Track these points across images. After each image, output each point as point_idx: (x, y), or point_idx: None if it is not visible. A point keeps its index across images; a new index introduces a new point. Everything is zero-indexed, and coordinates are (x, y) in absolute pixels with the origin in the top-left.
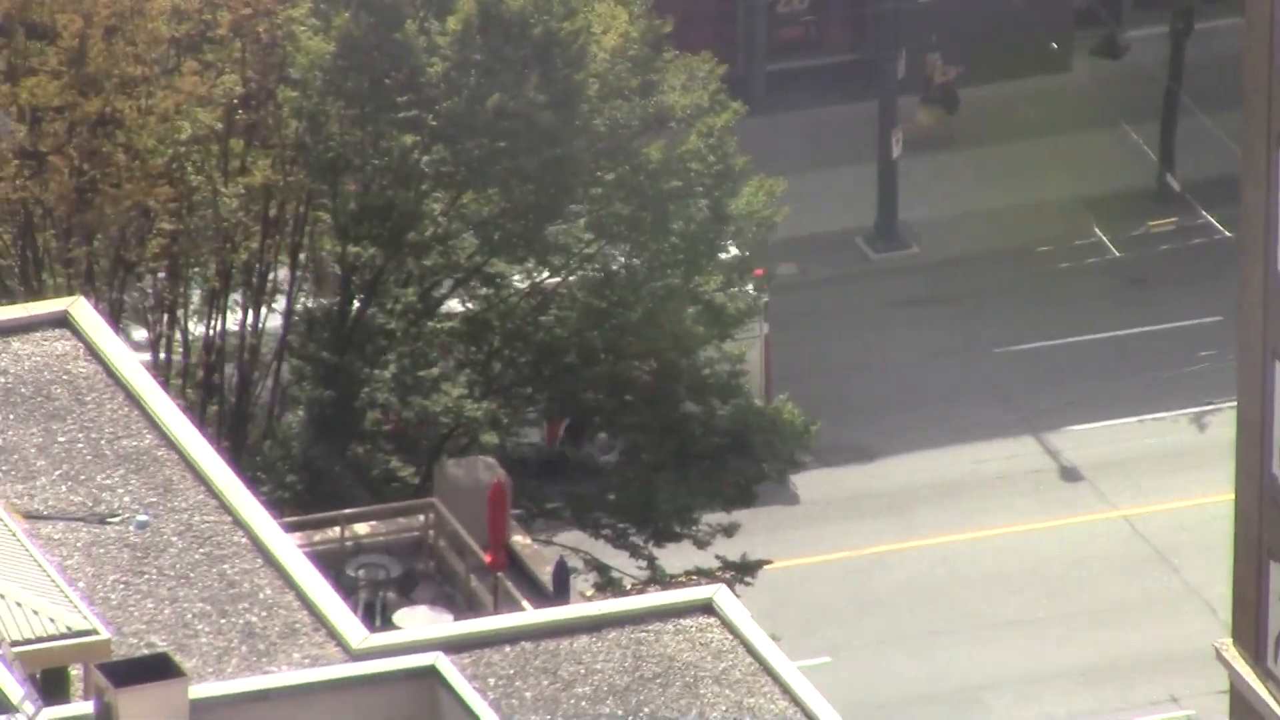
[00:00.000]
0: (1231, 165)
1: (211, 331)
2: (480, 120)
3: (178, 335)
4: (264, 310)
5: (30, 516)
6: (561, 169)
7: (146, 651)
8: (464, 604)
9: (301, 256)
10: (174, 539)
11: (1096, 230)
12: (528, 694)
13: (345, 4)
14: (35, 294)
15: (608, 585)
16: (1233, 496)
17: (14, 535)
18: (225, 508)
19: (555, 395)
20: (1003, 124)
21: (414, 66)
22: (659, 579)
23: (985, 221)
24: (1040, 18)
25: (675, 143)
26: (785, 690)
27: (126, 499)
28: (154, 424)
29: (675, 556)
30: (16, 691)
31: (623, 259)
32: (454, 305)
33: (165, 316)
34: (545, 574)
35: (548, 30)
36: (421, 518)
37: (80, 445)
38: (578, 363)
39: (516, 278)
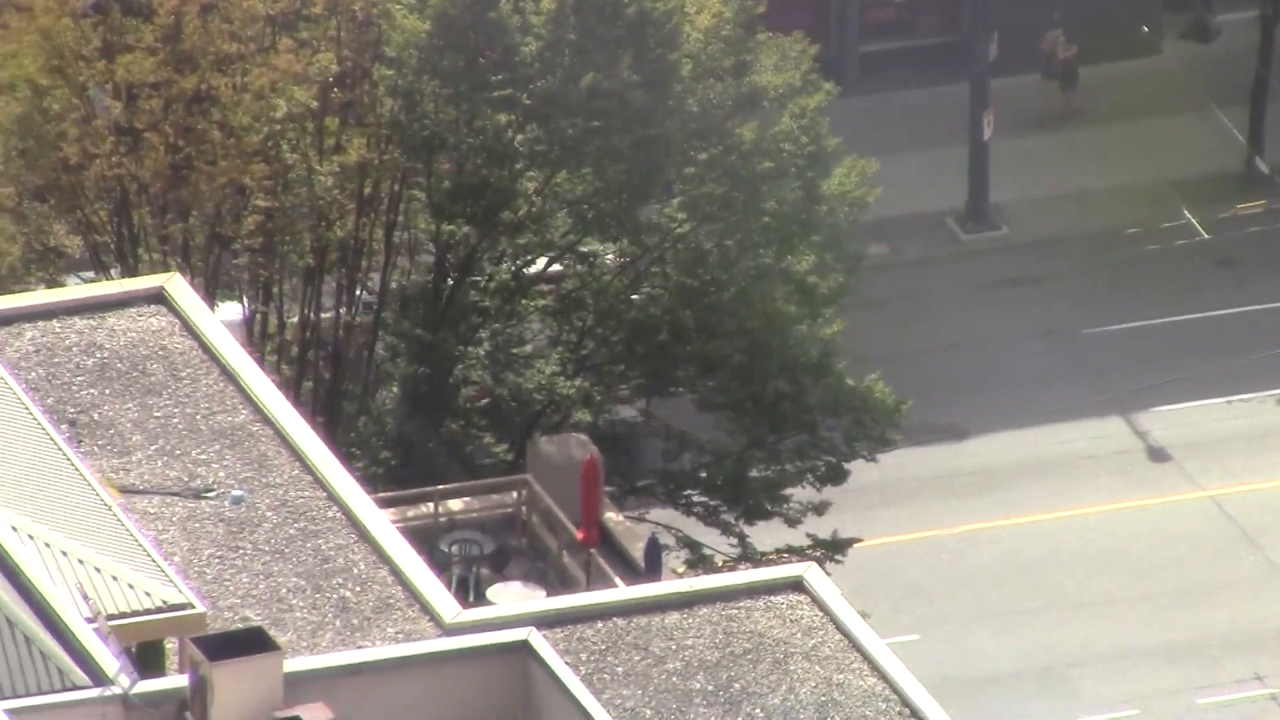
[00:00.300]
0: None
1: (307, 309)
2: (574, 99)
3: (273, 312)
4: (359, 288)
5: (126, 491)
6: (654, 149)
7: (241, 626)
8: (556, 580)
9: (396, 234)
10: (269, 514)
11: (1185, 213)
12: (619, 669)
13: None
14: (131, 270)
15: (699, 562)
16: None
17: (110, 509)
18: (320, 483)
19: (647, 373)
20: (1093, 107)
21: (508, 45)
22: (749, 556)
23: (1074, 203)
24: (1130, 1)
25: (768, 123)
26: (874, 667)
27: (222, 474)
28: (249, 400)
29: (766, 534)
30: (112, 664)
31: (715, 238)
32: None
33: (260, 293)
34: (637, 551)
35: (641, 9)
36: (515, 494)
37: (176, 420)
38: (669, 341)
39: (609, 256)
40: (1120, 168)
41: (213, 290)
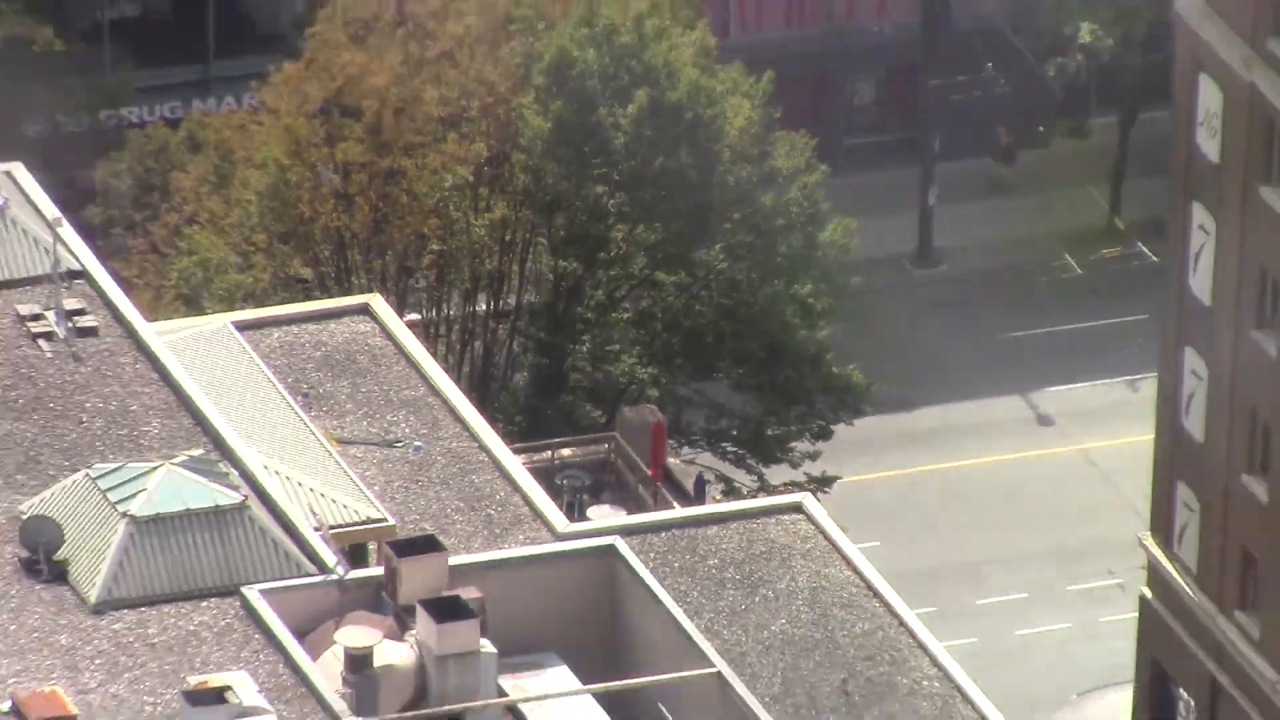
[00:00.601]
0: (1160, 212)
1: (465, 318)
2: (649, 176)
3: (442, 320)
4: (500, 304)
5: (342, 441)
6: (704, 211)
7: (419, 534)
8: (634, 504)
9: (526, 268)
10: (438, 458)
11: (1067, 256)
12: (675, 564)
13: (558, 95)
14: (345, 291)
15: (730, 492)
16: (1154, 437)
17: (330, 454)
18: (473, 437)
19: (697, 364)
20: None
21: (604, 139)
22: (765, 488)
23: (995, 249)
24: (1029, 107)
25: (782, 193)
26: (849, 563)
27: (406, 431)
28: (425, 381)
29: (776, 474)
30: (332, 559)
31: (744, 272)
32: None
33: (434, 308)
34: (689, 484)
35: (696, 115)
36: (606, 446)
37: (375, 394)
38: (713, 343)
39: (671, 283)
40: (1029, 223)
41: (401, 305)
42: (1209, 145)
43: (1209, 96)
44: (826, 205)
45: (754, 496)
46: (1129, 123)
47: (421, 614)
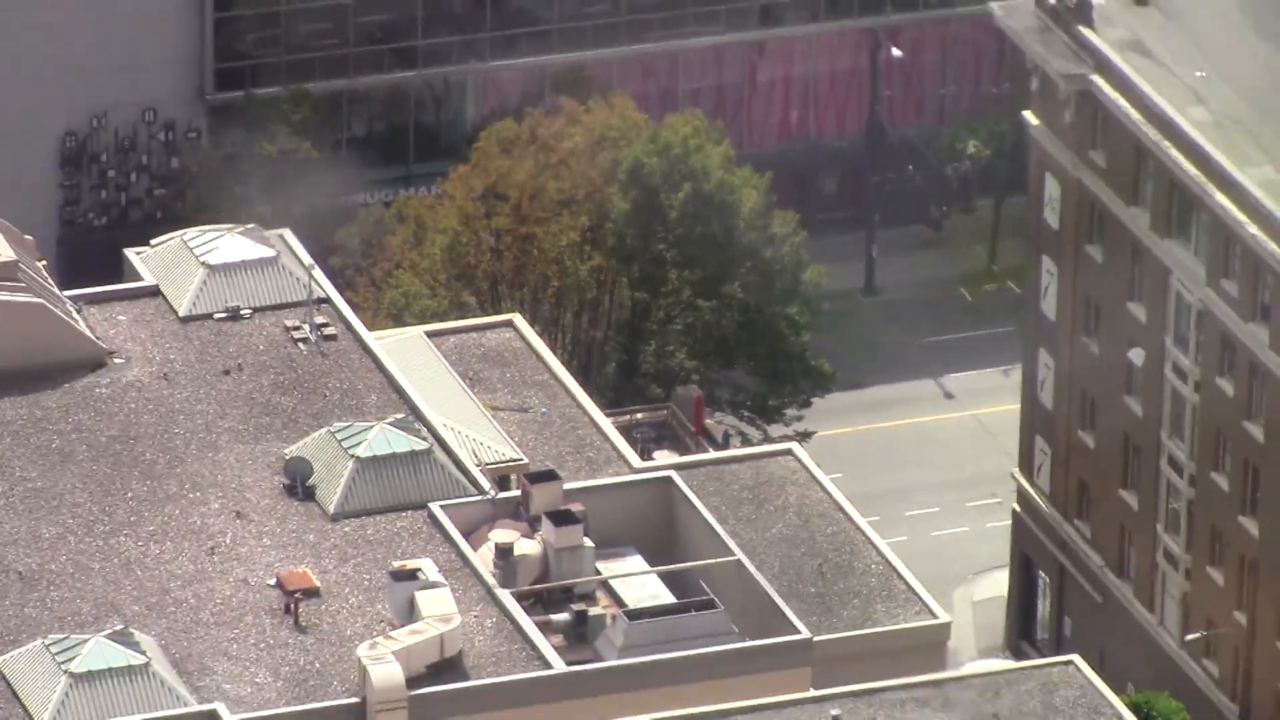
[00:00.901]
0: (1022, 260)
1: (575, 327)
2: (692, 238)
3: (560, 329)
4: (602, 319)
5: (494, 408)
6: (727, 261)
7: (544, 468)
8: (683, 450)
9: (613, 297)
10: (556, 419)
11: (961, 289)
12: (710, 489)
13: (634, 187)
14: (496, 312)
15: (745, 443)
16: (1020, 406)
17: (486, 417)
18: (579, 406)
19: (723, 358)
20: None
21: (663, 215)
22: (767, 439)
23: (920, 287)
24: (936, 195)
25: (777, 249)
26: (824, 489)
27: (535, 402)
28: (548, 369)
29: (774, 430)
30: (487, 485)
31: (754, 299)
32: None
33: (555, 323)
34: (719, 436)
35: (722, 199)
36: (665, 411)
37: (514, 377)
38: (733, 345)
39: (708, 307)
40: (937, 268)
41: (534, 319)
42: (1052, 218)
43: (1051, 187)
44: (807, 258)
45: (760, 444)
46: (1000, 203)
47: (545, 521)
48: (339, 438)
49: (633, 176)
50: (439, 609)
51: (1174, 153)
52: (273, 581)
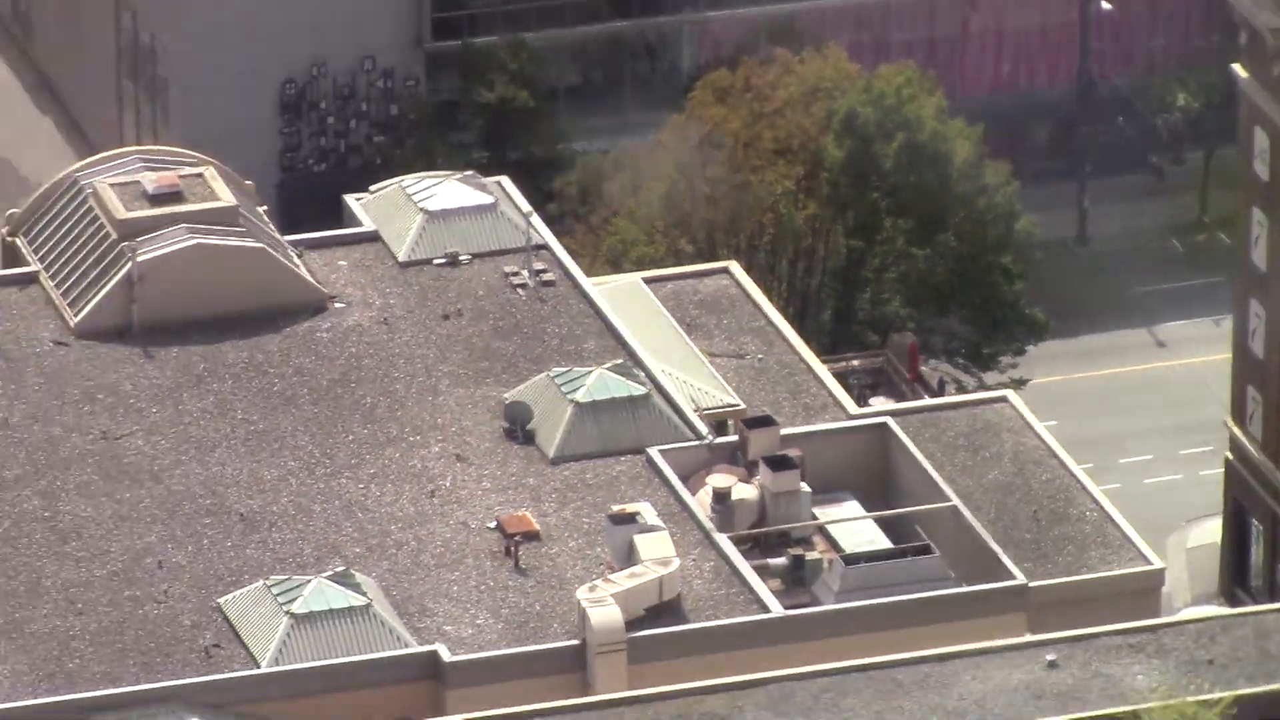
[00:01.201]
0: (1232, 211)
1: (791, 275)
2: (906, 188)
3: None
4: (818, 266)
5: (711, 354)
6: (940, 211)
7: (761, 414)
8: (898, 397)
9: (828, 245)
10: (773, 365)
11: (1173, 240)
12: (925, 435)
13: (848, 136)
14: (713, 259)
15: (960, 390)
16: (1232, 355)
17: (704, 363)
18: (795, 352)
19: (938, 307)
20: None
21: (877, 165)
22: (982, 386)
23: (1123, 235)
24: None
25: (990, 199)
26: (1037, 435)
27: (752, 348)
28: (764, 316)
29: (990, 378)
30: (704, 429)
31: (968, 249)
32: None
33: (770, 270)
34: (934, 382)
35: (935, 150)
36: (881, 358)
37: (730, 324)
38: (948, 294)
39: (922, 256)
40: (1153, 218)
41: (750, 267)
42: (1261, 170)
43: (1260, 139)
44: (1019, 207)
45: (976, 390)
46: (1210, 155)
47: (762, 466)
48: (558, 383)
49: (847, 126)
50: (658, 552)
51: None
52: (493, 525)
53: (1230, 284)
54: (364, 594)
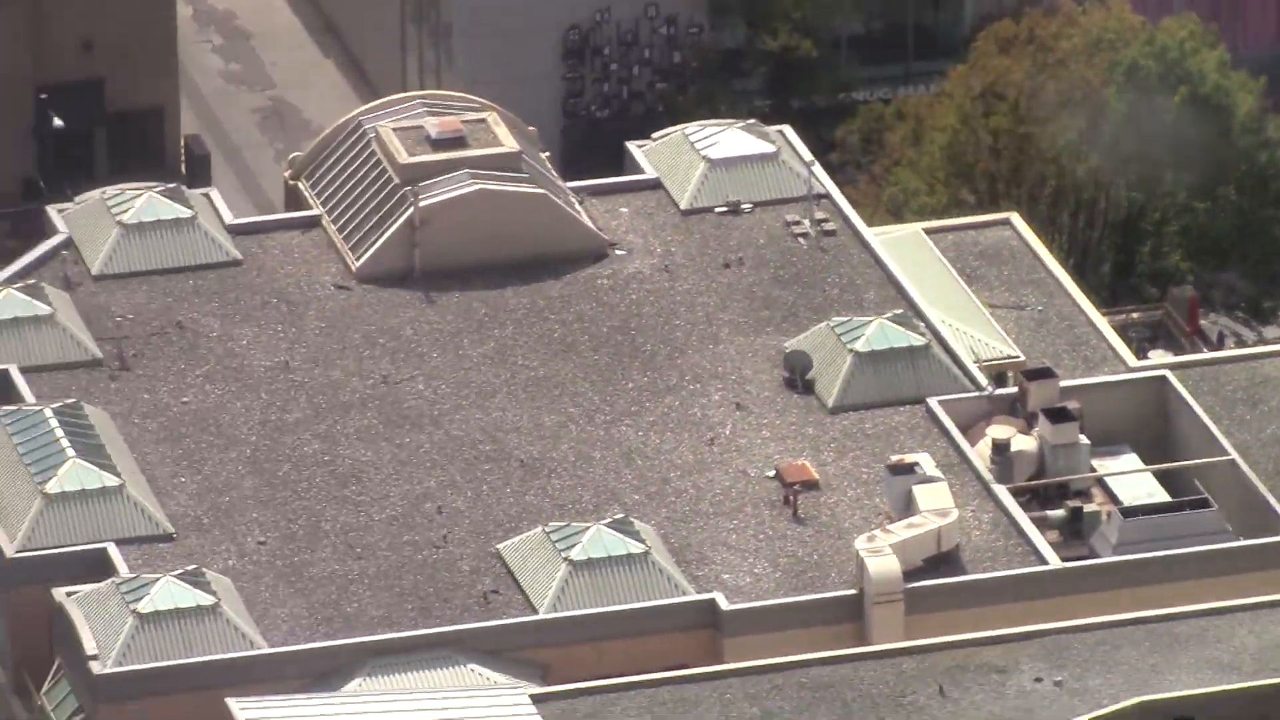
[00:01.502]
0: None
1: (1072, 228)
2: (1187, 140)
3: (1056, 229)
4: (1099, 219)
5: (991, 305)
6: (1222, 164)
7: (1040, 365)
8: (1178, 350)
9: (1110, 197)
10: (1053, 317)
11: None
12: (1204, 388)
13: (1130, 89)
14: (995, 209)
15: (1239, 344)
16: None
17: (984, 313)
18: (1075, 304)
19: (1218, 261)
20: None
21: (1160, 117)
22: (1262, 341)
23: None
24: None
25: (1273, 153)
26: None
27: (1032, 299)
28: (1044, 268)
29: (1270, 332)
30: (983, 381)
31: (1247, 202)
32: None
33: (1051, 222)
34: (1213, 336)
35: (1218, 103)
36: (1160, 312)
37: (1012, 276)
38: (1227, 247)
39: (1203, 209)
40: None
41: (1031, 219)
42: None
43: None
44: None
45: (1255, 346)
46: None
47: (1041, 418)
48: (838, 332)
49: (1130, 78)
50: (936, 503)
51: None
52: (772, 473)
53: None
54: (642, 541)
